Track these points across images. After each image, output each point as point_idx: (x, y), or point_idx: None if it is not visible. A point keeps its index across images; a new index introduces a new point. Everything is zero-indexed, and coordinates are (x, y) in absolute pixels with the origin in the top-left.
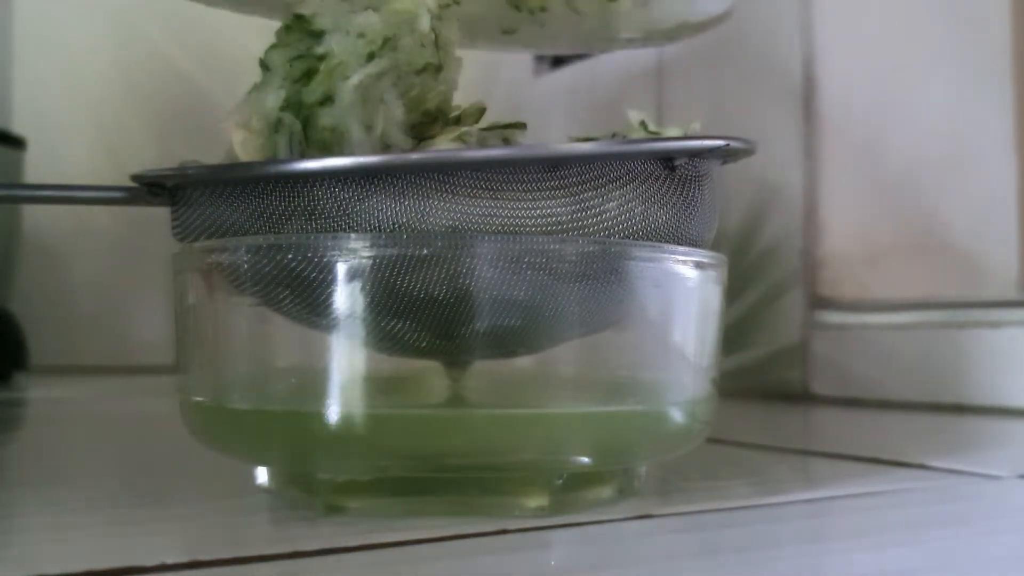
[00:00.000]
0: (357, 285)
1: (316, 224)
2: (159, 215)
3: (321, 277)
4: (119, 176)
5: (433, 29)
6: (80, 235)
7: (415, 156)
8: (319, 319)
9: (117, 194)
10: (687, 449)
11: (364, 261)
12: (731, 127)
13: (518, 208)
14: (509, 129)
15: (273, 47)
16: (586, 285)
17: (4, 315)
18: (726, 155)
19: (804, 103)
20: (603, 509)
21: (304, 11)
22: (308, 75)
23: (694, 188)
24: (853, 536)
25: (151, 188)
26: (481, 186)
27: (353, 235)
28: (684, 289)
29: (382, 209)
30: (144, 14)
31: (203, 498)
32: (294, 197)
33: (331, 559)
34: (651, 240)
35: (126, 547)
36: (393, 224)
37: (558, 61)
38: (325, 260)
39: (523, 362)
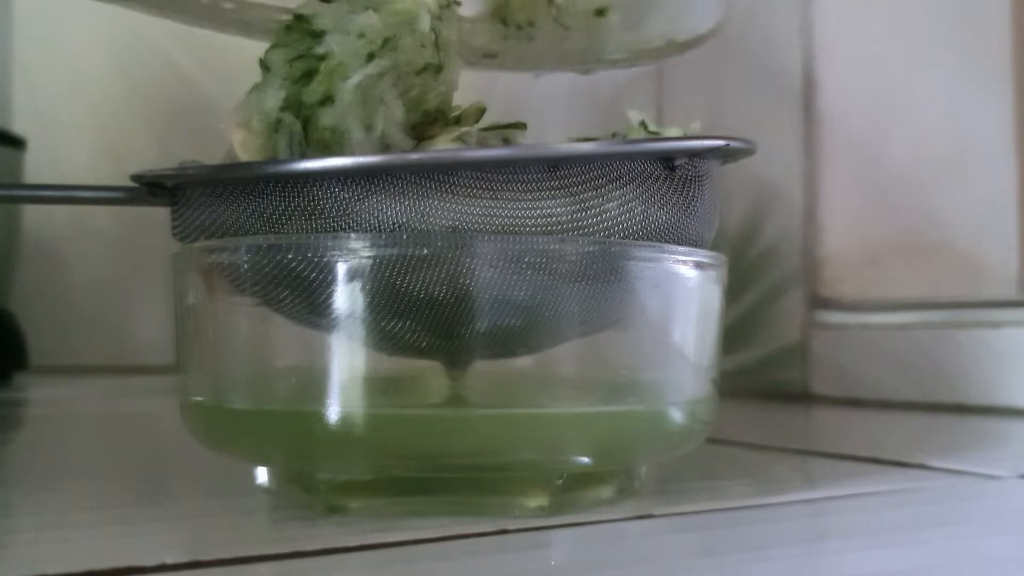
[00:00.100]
0: (357, 285)
1: (316, 224)
2: (159, 215)
3: (321, 277)
4: (119, 176)
5: (433, 29)
6: (80, 235)
7: (415, 156)
8: (319, 319)
9: (117, 194)
10: (687, 449)
11: (364, 261)
12: (731, 127)
13: (518, 208)
14: (509, 129)
15: (273, 47)
16: (586, 285)
17: (4, 315)
18: (726, 155)
19: (804, 103)
20: (603, 509)
21: (304, 11)
22: (308, 75)
23: (694, 188)
24: (853, 536)
25: (151, 188)
26: (481, 186)
27: (353, 235)
28: (684, 289)
29: (382, 209)
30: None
31: (203, 498)
32: (294, 197)
33: (331, 559)
34: (651, 240)
35: (126, 547)
36: (393, 224)
37: None
38: (325, 260)
39: (523, 362)
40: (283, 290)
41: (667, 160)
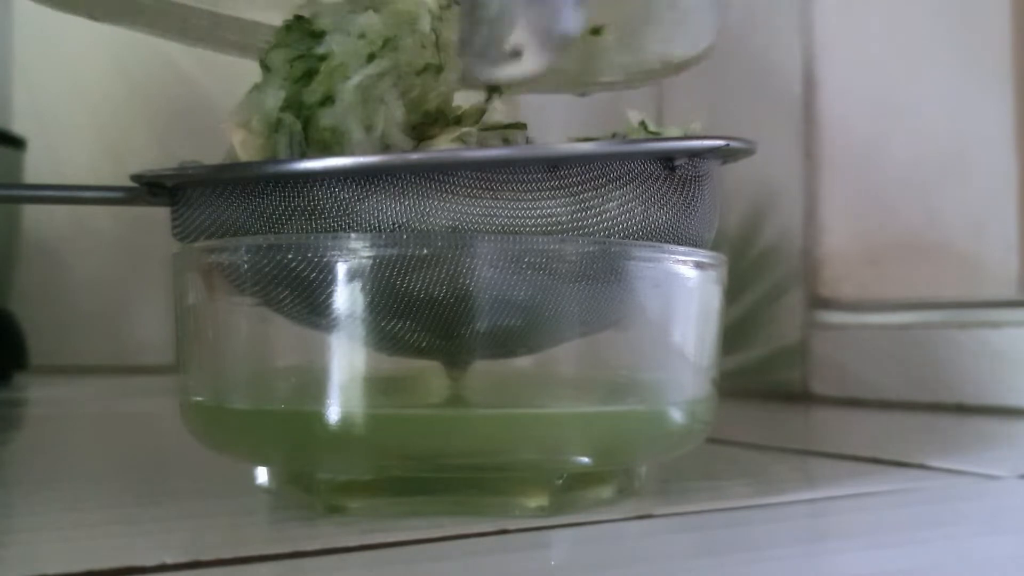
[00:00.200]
0: (357, 285)
1: (316, 224)
2: (159, 215)
3: (321, 277)
4: (119, 176)
5: (434, 30)
6: (80, 235)
7: (415, 156)
8: (319, 319)
9: (117, 194)
10: (687, 449)
11: (364, 261)
12: (731, 127)
13: (518, 208)
14: (509, 129)
15: (274, 47)
16: (586, 285)
17: (4, 315)
18: (726, 155)
19: (804, 104)
20: (603, 509)
21: (305, 12)
22: (308, 75)
23: (694, 188)
24: (853, 536)
25: (151, 188)
26: (481, 186)
27: (353, 235)
28: (684, 289)
29: (382, 209)
30: None
31: (203, 498)
32: (294, 197)
33: (331, 559)
34: (651, 240)
35: (126, 547)
36: (393, 224)
37: None
38: (325, 260)
39: (523, 362)
40: (283, 290)
41: (667, 160)
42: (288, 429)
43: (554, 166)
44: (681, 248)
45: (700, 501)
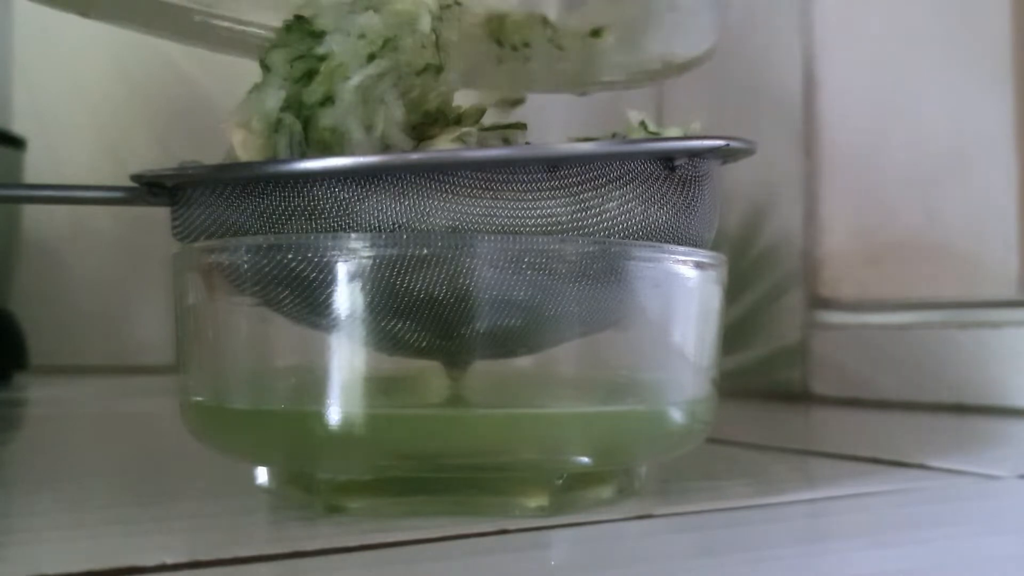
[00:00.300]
0: (357, 285)
1: (316, 224)
2: (159, 215)
3: (321, 277)
4: (119, 176)
5: (434, 30)
6: (80, 235)
7: (415, 156)
8: (319, 319)
9: (117, 194)
10: (687, 449)
11: (364, 261)
12: (731, 127)
13: (518, 208)
14: (509, 129)
15: (274, 47)
16: (586, 285)
17: (4, 315)
18: (726, 155)
19: (804, 103)
20: (603, 509)
21: (305, 12)
22: (308, 75)
23: (694, 188)
24: (853, 536)
25: (151, 188)
26: (481, 186)
27: (353, 235)
28: (684, 289)
29: (382, 209)
30: None
31: (203, 498)
32: (294, 197)
33: (331, 559)
34: (651, 240)
35: (126, 547)
36: (393, 224)
37: None
38: (325, 260)
39: (523, 362)
40: (283, 290)
41: (667, 160)
42: (288, 429)
43: (554, 166)
44: (681, 248)
45: (700, 501)
